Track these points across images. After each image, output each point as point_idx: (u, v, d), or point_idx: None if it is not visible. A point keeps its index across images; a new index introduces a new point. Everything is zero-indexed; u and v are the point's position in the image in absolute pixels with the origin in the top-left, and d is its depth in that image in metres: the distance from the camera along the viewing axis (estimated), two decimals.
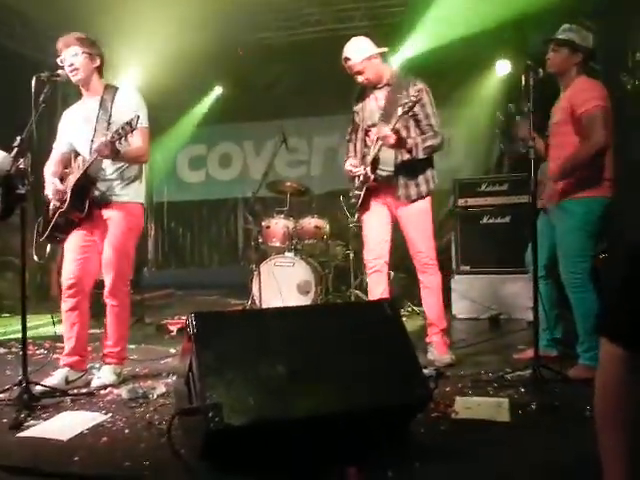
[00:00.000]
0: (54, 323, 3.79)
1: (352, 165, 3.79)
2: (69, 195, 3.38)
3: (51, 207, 3.51)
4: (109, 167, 3.46)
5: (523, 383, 3.14)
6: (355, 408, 2.26)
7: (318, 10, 7.64)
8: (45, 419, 2.85)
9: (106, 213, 3.47)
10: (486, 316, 5.29)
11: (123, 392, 3.23)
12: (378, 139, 3.59)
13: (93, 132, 3.42)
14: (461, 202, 5.81)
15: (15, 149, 3.11)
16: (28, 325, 3.10)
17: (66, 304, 3.46)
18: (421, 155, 3.62)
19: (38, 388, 3.19)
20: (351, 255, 5.73)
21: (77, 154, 3.55)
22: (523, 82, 3.29)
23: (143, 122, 3.34)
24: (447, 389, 3.15)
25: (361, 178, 3.78)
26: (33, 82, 3.15)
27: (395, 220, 3.81)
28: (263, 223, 5.84)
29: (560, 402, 2.84)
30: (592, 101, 3.24)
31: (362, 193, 3.80)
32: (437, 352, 3.73)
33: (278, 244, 5.68)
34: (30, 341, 3.11)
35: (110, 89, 3.52)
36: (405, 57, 7.10)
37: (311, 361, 2.32)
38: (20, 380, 3.02)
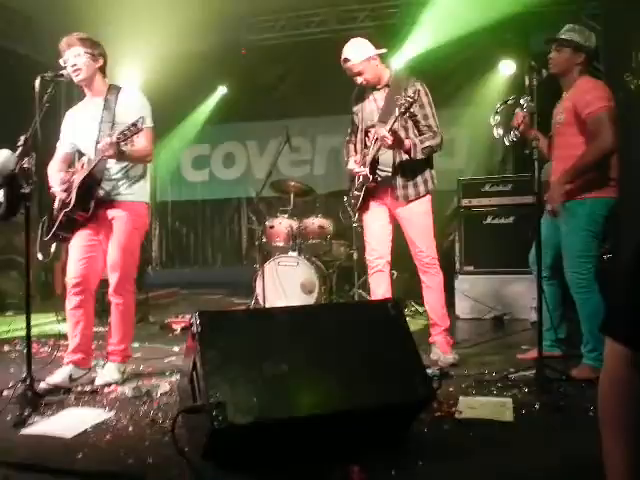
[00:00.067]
0: (58, 321, 3.80)
1: (355, 163, 3.80)
2: (74, 195, 3.38)
3: (56, 206, 3.52)
4: (114, 167, 3.46)
5: (527, 383, 3.14)
6: (358, 407, 2.26)
7: (322, 11, 7.66)
8: (49, 416, 2.86)
9: (111, 213, 3.47)
10: (490, 316, 5.29)
11: (127, 390, 3.24)
12: (376, 140, 3.59)
13: (97, 133, 3.43)
14: (465, 202, 5.80)
15: (19, 148, 3.12)
16: (32, 323, 3.11)
17: (71, 302, 3.47)
18: (419, 156, 3.62)
19: (42, 386, 3.21)
20: (355, 255, 5.73)
21: (81, 154, 3.56)
22: (527, 82, 3.29)
23: (147, 122, 3.35)
24: (450, 389, 3.15)
25: (361, 179, 3.79)
26: (37, 82, 3.15)
27: (395, 220, 3.82)
28: (267, 223, 5.85)
29: (564, 402, 2.84)
30: (597, 102, 3.23)
31: (361, 194, 3.81)
32: (440, 352, 3.73)
33: (282, 244, 5.69)
34: (34, 339, 3.11)
35: (113, 89, 3.53)
36: (408, 57, 7.10)
37: (315, 360, 2.33)
38: (24, 377, 3.03)
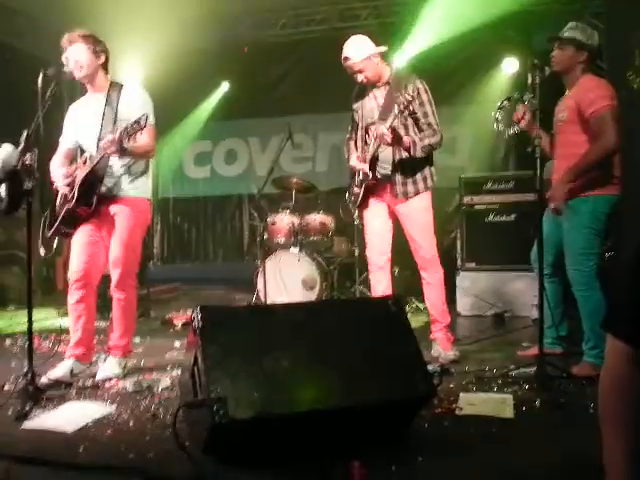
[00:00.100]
0: (60, 316, 3.81)
1: (358, 159, 3.80)
2: (77, 191, 3.39)
3: (58, 202, 3.53)
4: (116, 163, 3.47)
5: (527, 380, 3.14)
6: (359, 403, 2.26)
7: (323, 9, 7.66)
8: (50, 411, 2.86)
9: (113, 208, 3.48)
10: (491, 313, 5.29)
11: (128, 384, 3.25)
12: (376, 138, 3.59)
13: (100, 129, 3.43)
14: (467, 200, 5.80)
15: (22, 144, 3.13)
16: (33, 318, 3.12)
17: (73, 297, 3.47)
18: (419, 154, 3.62)
19: (43, 380, 3.22)
20: (356, 251, 5.74)
21: (82, 150, 3.56)
22: (529, 80, 3.29)
23: (150, 119, 3.35)
24: (451, 385, 3.15)
25: (360, 176, 3.79)
26: (40, 78, 3.16)
27: (395, 217, 3.82)
28: (268, 219, 5.84)
29: (564, 399, 2.85)
30: (601, 101, 3.23)
31: (361, 191, 3.82)
32: (441, 348, 3.73)
33: (283, 240, 5.69)
34: (35, 334, 3.12)
35: (115, 86, 3.53)
36: (410, 55, 7.09)
37: (315, 356, 2.33)
38: (26, 372, 3.04)
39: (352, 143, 3.98)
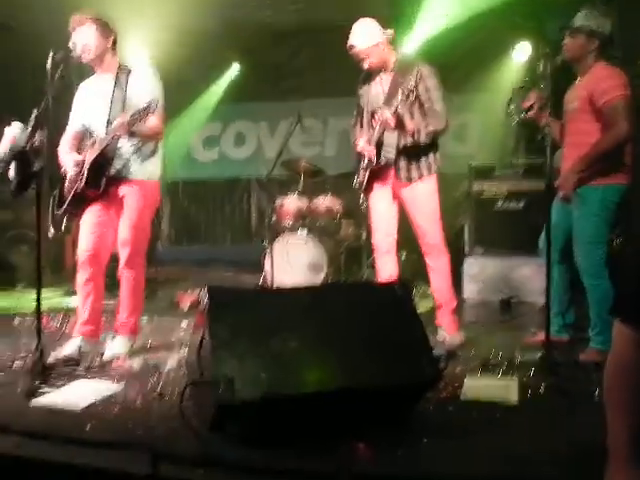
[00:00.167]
0: (68, 295, 3.83)
1: (366, 142, 3.79)
2: (86, 172, 3.40)
3: (67, 183, 3.53)
4: (125, 144, 3.47)
5: (533, 366, 3.14)
6: (364, 386, 2.28)
7: None
8: (59, 388, 2.90)
9: (122, 190, 3.49)
10: (497, 299, 5.28)
11: (135, 363, 3.29)
12: (380, 123, 3.59)
13: (109, 111, 3.43)
14: (476, 187, 5.78)
15: (31, 125, 3.13)
16: (42, 297, 3.14)
17: (81, 276, 3.49)
18: (423, 139, 3.62)
19: (52, 358, 3.25)
20: (363, 235, 5.73)
21: (91, 132, 3.56)
22: (541, 68, 3.27)
23: (159, 100, 3.34)
24: (457, 370, 3.16)
25: (366, 160, 3.80)
26: (49, 60, 3.15)
27: (401, 201, 3.82)
28: (276, 202, 5.84)
29: (570, 385, 2.85)
30: (613, 90, 3.20)
31: (366, 175, 3.83)
32: (447, 333, 3.74)
33: (291, 223, 5.69)
34: (44, 313, 3.15)
35: (124, 68, 3.53)
36: (419, 41, 7.03)
37: (322, 338, 2.34)
38: (34, 349, 3.06)
39: (358, 128, 3.97)
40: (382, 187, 3.84)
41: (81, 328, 3.50)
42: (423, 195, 3.73)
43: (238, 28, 7.91)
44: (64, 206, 3.50)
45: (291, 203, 5.72)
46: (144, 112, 3.13)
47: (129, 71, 3.52)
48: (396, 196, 3.82)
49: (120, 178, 3.48)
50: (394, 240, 3.86)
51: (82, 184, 3.39)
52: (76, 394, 2.80)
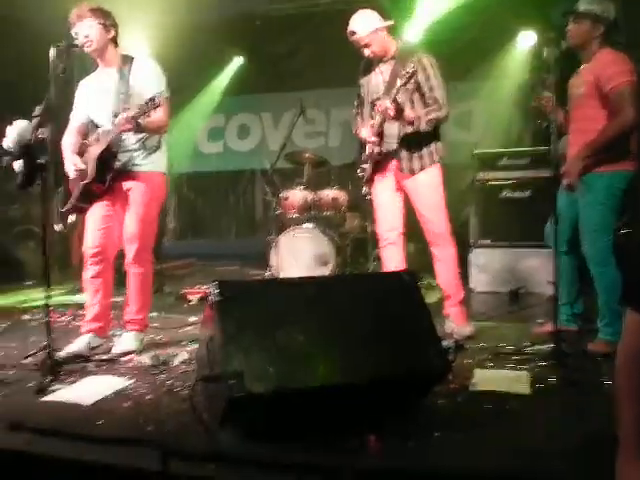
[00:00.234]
0: (76, 291, 3.85)
1: (368, 133, 3.76)
2: (91, 167, 3.39)
3: (72, 178, 3.53)
4: (130, 138, 3.46)
5: (542, 357, 3.14)
6: (373, 378, 2.27)
7: None
8: (69, 384, 2.91)
9: (128, 183, 3.48)
10: (505, 290, 5.27)
11: (144, 359, 3.29)
12: (380, 112, 3.57)
13: (112, 105, 3.42)
14: (481, 176, 5.74)
15: (35, 119, 3.13)
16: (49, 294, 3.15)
17: (90, 272, 3.50)
18: (424, 127, 3.60)
19: (61, 354, 3.27)
20: (368, 227, 5.72)
21: (95, 125, 3.55)
22: (545, 54, 3.24)
23: (164, 94, 3.33)
24: (466, 361, 3.16)
25: (367, 151, 3.79)
26: (51, 52, 3.15)
27: (405, 192, 3.81)
28: (281, 194, 5.83)
29: (578, 376, 2.84)
30: (619, 76, 3.17)
31: (369, 166, 3.82)
32: (456, 323, 3.73)
33: (296, 215, 5.68)
34: (51, 309, 3.16)
35: (127, 60, 3.51)
36: (422, 29, 6.99)
37: (330, 331, 2.33)
38: (44, 346, 3.08)
39: (359, 118, 3.96)
40: (385, 178, 3.83)
41: (90, 325, 3.51)
42: (426, 186, 3.71)
43: (240, 21, 7.88)
44: (69, 202, 3.51)
45: (296, 195, 5.71)
46: (149, 106, 3.12)
47: (132, 59, 3.50)
48: (400, 187, 3.81)
49: (125, 172, 3.47)
50: (400, 234, 3.85)
51: (88, 178, 3.39)
52: (86, 390, 2.81)
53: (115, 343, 3.54)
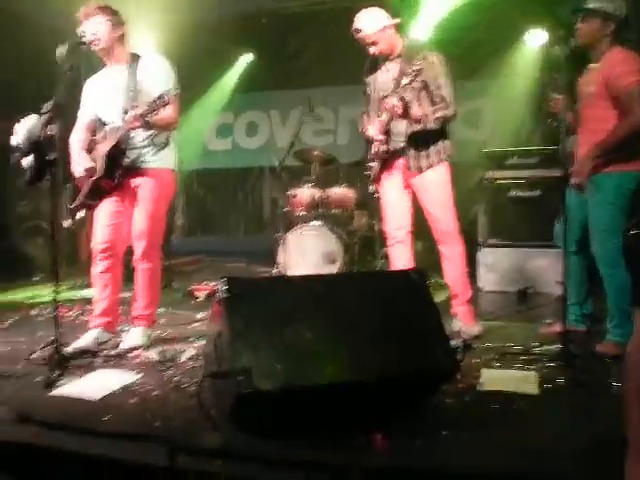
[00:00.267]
0: (82, 288, 3.86)
1: (376, 131, 3.76)
2: (100, 164, 3.40)
3: (81, 175, 3.54)
4: (139, 134, 3.47)
5: (551, 357, 3.13)
6: (381, 376, 2.27)
7: None
8: (77, 379, 2.92)
9: (137, 180, 3.49)
10: (514, 289, 5.25)
11: (152, 354, 3.30)
12: (387, 110, 3.56)
13: (123, 102, 3.41)
14: (490, 174, 5.72)
15: (44, 115, 3.13)
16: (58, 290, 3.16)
17: (98, 267, 3.51)
18: (431, 125, 3.59)
19: (69, 349, 3.28)
20: (377, 225, 5.71)
21: (102, 123, 3.55)
22: (556, 52, 3.22)
23: (173, 90, 3.33)
24: (473, 361, 3.15)
25: (374, 149, 3.79)
26: (59, 50, 3.15)
27: (412, 190, 3.80)
28: (289, 192, 5.83)
29: (587, 377, 2.83)
30: (630, 76, 3.14)
31: (377, 164, 3.81)
32: (463, 323, 3.71)
33: (304, 213, 5.68)
34: (59, 304, 3.17)
35: (135, 57, 3.51)
36: (428, 27, 6.97)
37: (338, 329, 2.33)
38: (52, 340, 3.09)
39: (366, 117, 3.95)
40: (392, 176, 3.82)
41: (98, 320, 3.53)
42: (434, 184, 3.70)
43: (248, 18, 7.88)
44: (78, 198, 3.52)
45: (304, 193, 5.71)
46: (158, 104, 3.13)
47: (140, 57, 3.50)
48: (407, 185, 3.80)
49: (134, 168, 3.48)
50: (408, 232, 3.84)
51: (97, 175, 3.40)
52: (94, 385, 2.82)
53: (123, 338, 3.55)
